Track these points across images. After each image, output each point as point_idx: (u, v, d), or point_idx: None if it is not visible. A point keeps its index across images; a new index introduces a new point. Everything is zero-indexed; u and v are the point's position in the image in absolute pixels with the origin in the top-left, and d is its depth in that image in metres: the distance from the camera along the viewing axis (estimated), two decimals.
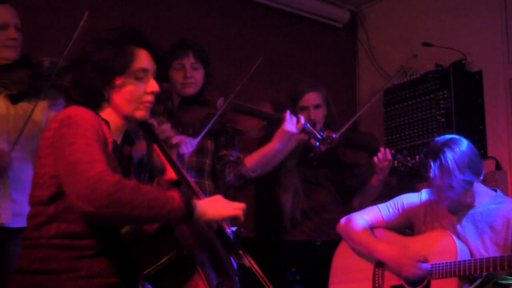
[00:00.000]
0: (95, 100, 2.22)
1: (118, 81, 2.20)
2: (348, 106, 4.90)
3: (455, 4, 4.56)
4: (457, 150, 3.04)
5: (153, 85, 2.25)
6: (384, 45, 5.00)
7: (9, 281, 2.11)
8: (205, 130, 3.30)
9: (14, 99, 3.09)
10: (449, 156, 3.02)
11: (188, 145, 3.11)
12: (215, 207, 2.16)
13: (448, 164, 3.01)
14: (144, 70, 2.24)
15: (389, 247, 3.21)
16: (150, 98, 2.26)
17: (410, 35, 4.76)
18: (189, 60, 3.51)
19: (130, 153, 2.30)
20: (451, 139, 3.11)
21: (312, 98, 3.99)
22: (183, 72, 3.51)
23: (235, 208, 2.19)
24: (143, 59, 2.24)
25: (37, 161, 2.16)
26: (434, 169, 3.04)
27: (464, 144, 3.09)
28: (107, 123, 2.20)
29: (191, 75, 3.51)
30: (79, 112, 2.12)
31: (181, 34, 3.86)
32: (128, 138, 2.33)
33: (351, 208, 3.90)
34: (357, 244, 3.32)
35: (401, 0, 4.94)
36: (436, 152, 3.05)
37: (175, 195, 2.03)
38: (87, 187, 1.94)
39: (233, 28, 4.58)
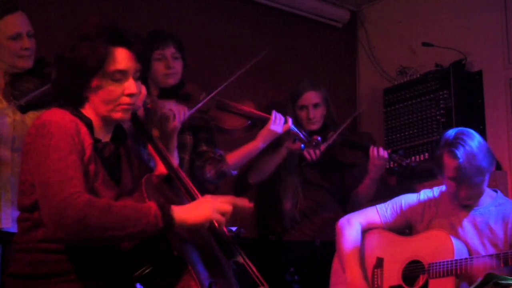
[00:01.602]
0: (74, 99, 2.14)
1: (95, 82, 2.10)
2: (348, 106, 4.89)
3: (455, 4, 4.55)
4: (474, 138, 3.03)
5: (131, 87, 2.12)
6: (384, 45, 4.99)
7: (2, 285, 2.11)
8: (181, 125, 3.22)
9: (23, 109, 3.07)
10: (470, 143, 2.99)
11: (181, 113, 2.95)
12: (197, 211, 2.06)
13: (472, 149, 2.97)
14: (121, 72, 2.11)
15: (359, 276, 3.17)
16: (127, 100, 2.13)
17: (410, 35, 4.75)
18: (170, 50, 3.46)
19: (117, 150, 2.22)
20: (462, 130, 3.08)
21: (311, 97, 3.99)
22: (165, 63, 3.44)
23: (219, 210, 2.08)
24: (121, 59, 2.11)
25: (21, 165, 2.12)
26: (460, 154, 2.96)
27: (475, 134, 3.07)
28: (88, 122, 2.13)
29: (173, 65, 3.46)
30: (54, 118, 2.05)
31: (180, 33, 3.84)
32: (121, 133, 2.26)
33: (350, 207, 3.90)
34: (340, 255, 3.31)
35: (401, 0, 4.94)
36: (454, 142, 3.00)
37: (151, 209, 1.96)
38: (56, 212, 1.90)
39: (233, 28, 4.58)
